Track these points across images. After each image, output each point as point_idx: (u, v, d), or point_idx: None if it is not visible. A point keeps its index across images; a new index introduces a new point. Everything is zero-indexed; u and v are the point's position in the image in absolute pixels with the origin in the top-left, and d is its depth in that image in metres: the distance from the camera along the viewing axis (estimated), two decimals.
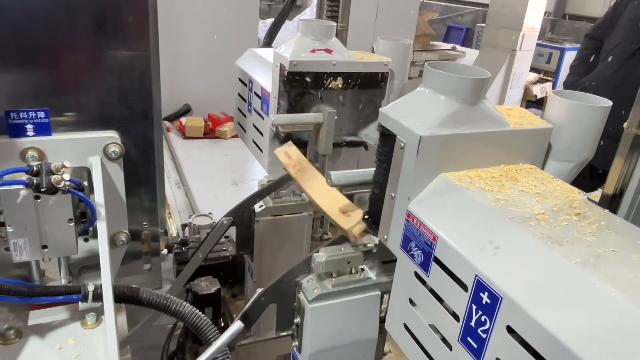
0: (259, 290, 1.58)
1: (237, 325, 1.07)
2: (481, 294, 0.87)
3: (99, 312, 1.05)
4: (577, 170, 1.24)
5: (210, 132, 5.62)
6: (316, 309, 1.51)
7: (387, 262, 1.58)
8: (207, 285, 2.10)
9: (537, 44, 6.51)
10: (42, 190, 0.91)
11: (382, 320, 1.67)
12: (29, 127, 0.99)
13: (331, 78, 1.90)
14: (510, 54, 6.15)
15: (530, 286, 0.80)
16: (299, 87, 1.88)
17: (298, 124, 1.86)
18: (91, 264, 1.15)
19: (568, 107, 1.17)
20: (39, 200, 0.97)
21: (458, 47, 7.34)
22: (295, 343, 1.64)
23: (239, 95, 2.59)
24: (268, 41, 2.81)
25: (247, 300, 2.37)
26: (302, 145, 2.05)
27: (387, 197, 1.23)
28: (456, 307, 0.96)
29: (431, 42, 6.96)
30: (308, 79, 1.89)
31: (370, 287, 1.56)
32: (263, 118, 2.18)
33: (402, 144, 1.09)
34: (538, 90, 6.80)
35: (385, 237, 1.26)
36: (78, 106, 1.05)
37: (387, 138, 1.17)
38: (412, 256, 1.11)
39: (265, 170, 2.20)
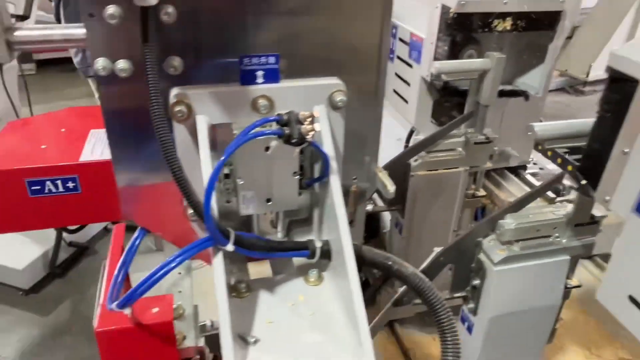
0: (437, 249, 1.51)
1: None
2: None
3: (320, 269, 1.01)
4: None
5: None
6: (501, 272, 1.43)
7: (579, 224, 1.44)
8: None
9: None
10: (292, 141, 0.86)
11: (566, 286, 1.55)
12: (259, 73, 0.93)
13: (500, 19, 1.71)
14: None
15: None
16: (465, 30, 1.70)
17: (464, 71, 1.71)
18: (297, 219, 1.11)
19: None
20: (268, 152, 0.93)
21: None
22: (470, 305, 1.57)
23: None
24: None
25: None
26: (460, 94, 1.90)
27: (615, 153, 1.08)
28: None
29: None
30: (475, 21, 1.70)
31: (559, 251, 1.45)
32: (411, 66, 2.03)
33: None
34: None
35: (608, 197, 1.12)
36: (302, 52, 0.98)
37: (621, 84, 1.03)
38: None
39: (411, 121, 2.09)
